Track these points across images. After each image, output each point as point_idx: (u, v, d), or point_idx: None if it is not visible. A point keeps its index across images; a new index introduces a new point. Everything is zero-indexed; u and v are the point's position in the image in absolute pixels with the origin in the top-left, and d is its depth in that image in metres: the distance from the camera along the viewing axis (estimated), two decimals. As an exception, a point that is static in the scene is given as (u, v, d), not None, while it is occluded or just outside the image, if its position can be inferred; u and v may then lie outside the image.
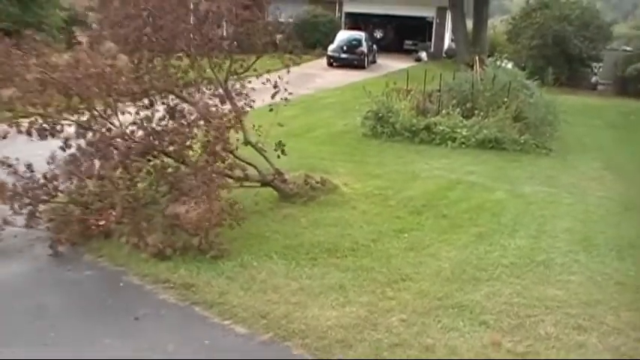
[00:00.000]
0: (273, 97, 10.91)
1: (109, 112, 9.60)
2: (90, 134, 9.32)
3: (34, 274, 8.39)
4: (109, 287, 8.01)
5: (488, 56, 27.18)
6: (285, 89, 10.86)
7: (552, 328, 7.07)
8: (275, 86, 10.89)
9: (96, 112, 9.51)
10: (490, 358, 6.52)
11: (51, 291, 7.86)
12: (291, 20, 14.47)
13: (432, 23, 47.24)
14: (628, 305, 7.74)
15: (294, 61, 11.18)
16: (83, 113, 9.49)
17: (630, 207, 12.10)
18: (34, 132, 9.24)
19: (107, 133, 9.36)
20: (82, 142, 9.29)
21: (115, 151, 9.23)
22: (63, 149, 9.29)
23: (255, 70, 10.88)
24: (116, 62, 9.33)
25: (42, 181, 9.25)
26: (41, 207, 9.30)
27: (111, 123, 9.57)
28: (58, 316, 7.24)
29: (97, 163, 9.32)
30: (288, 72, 11.03)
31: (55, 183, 9.30)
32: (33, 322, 7.06)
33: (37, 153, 9.33)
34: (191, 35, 10.36)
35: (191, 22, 10.43)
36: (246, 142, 10.72)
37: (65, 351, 6.50)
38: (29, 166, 9.27)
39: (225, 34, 10.91)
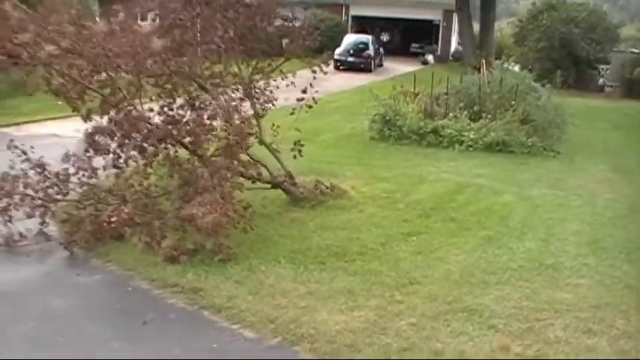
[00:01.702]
0: (299, 100, 10.92)
1: (133, 91, 9.61)
2: (113, 112, 9.33)
3: (42, 278, 8.41)
4: (117, 291, 8.01)
5: (496, 59, 27.16)
6: (313, 98, 10.93)
7: (562, 332, 7.02)
8: (304, 91, 10.90)
9: (120, 91, 9.51)
10: (499, 361, 6.51)
11: (59, 295, 7.85)
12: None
13: (438, 26, 47.33)
14: (638, 308, 7.68)
15: (324, 63, 11.27)
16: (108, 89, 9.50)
17: (639, 209, 12.04)
18: (61, 94, 9.22)
19: (130, 114, 9.37)
20: (105, 119, 9.34)
21: (136, 133, 9.24)
22: (84, 120, 9.31)
23: (281, 71, 10.92)
24: (148, 43, 9.29)
25: (54, 180, 9.28)
26: (53, 208, 9.34)
27: (133, 105, 9.58)
28: (66, 320, 7.24)
29: (114, 142, 9.36)
30: (315, 78, 10.97)
31: (67, 180, 9.33)
32: (41, 326, 7.05)
33: (55, 155, 9.41)
34: (226, 27, 10.34)
35: (230, 15, 10.40)
36: (261, 142, 10.73)
37: (73, 355, 6.50)
38: (42, 166, 9.29)
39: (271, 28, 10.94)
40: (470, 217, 10.91)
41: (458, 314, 7.35)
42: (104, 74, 9.33)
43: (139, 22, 10.26)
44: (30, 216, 9.17)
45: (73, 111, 9.41)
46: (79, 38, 8.98)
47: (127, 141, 9.24)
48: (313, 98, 10.96)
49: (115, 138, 9.29)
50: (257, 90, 10.84)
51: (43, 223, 9.21)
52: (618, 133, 21.89)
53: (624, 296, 8.04)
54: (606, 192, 13.32)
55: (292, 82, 10.99)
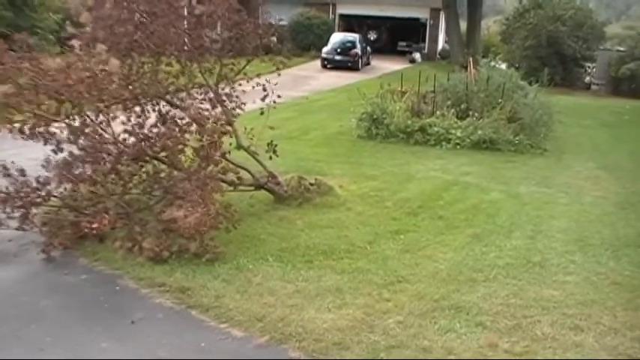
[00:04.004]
0: (263, 99, 10.81)
1: (100, 117, 9.54)
2: (82, 139, 9.26)
3: (29, 278, 8.36)
4: (105, 291, 7.95)
5: (482, 57, 27.23)
6: (278, 94, 10.78)
7: (549, 329, 7.07)
8: (264, 89, 10.83)
9: (87, 118, 9.43)
10: (487, 359, 6.52)
11: (47, 295, 7.81)
12: (282, 22, 14.40)
13: (425, 24, 47.41)
14: (624, 305, 7.74)
15: (284, 63, 11.14)
16: (74, 119, 9.40)
17: (626, 206, 12.12)
18: (26, 131, 9.11)
19: (99, 138, 9.30)
20: (75, 147, 9.23)
21: (107, 156, 9.19)
22: (55, 152, 9.23)
23: (245, 74, 10.85)
24: (107, 66, 9.25)
25: (35, 184, 9.19)
26: (34, 211, 9.24)
27: (102, 129, 9.51)
28: (55, 320, 7.21)
29: (88, 168, 9.25)
30: (279, 74, 10.90)
31: (48, 187, 9.22)
32: (29, 326, 7.02)
33: (31, 157, 9.29)
34: (182, 40, 10.32)
35: (182, 26, 10.38)
36: (239, 147, 10.68)
37: (62, 355, 6.47)
38: (22, 171, 9.21)
39: (218, 37, 10.84)
40: (457, 215, 10.94)
41: (445, 312, 7.38)
42: (67, 104, 9.24)
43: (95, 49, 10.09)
44: (10, 217, 9.07)
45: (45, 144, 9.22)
46: (37, 73, 8.92)
47: (99, 165, 9.16)
48: (279, 95, 10.84)
49: (87, 164, 9.21)
50: (225, 96, 10.68)
51: (22, 226, 9.10)
52: (605, 131, 21.99)
53: (611, 293, 8.10)
54: (594, 189, 13.39)
55: (258, 84, 10.87)
